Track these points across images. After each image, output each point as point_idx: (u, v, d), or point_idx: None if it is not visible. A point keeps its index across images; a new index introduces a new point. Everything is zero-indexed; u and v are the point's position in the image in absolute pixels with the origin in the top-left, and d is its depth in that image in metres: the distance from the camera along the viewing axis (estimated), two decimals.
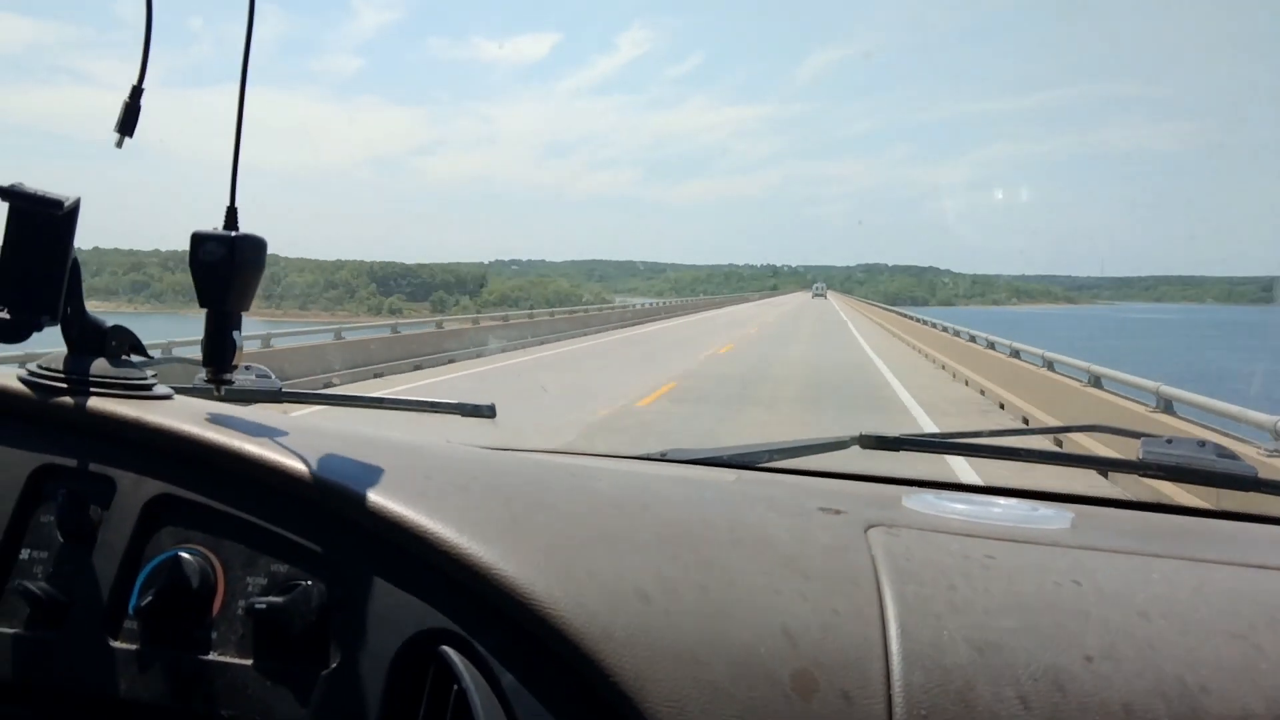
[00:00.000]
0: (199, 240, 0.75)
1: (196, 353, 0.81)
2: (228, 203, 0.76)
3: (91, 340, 0.82)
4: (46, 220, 0.75)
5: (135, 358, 0.85)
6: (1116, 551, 0.75)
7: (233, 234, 0.75)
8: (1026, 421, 9.37)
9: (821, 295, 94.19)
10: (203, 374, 0.94)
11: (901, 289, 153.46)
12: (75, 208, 0.75)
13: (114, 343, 0.83)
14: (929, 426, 9.02)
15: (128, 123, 0.79)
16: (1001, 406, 10.65)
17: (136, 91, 0.79)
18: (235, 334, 0.77)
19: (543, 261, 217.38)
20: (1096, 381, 8.63)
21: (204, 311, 0.76)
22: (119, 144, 0.79)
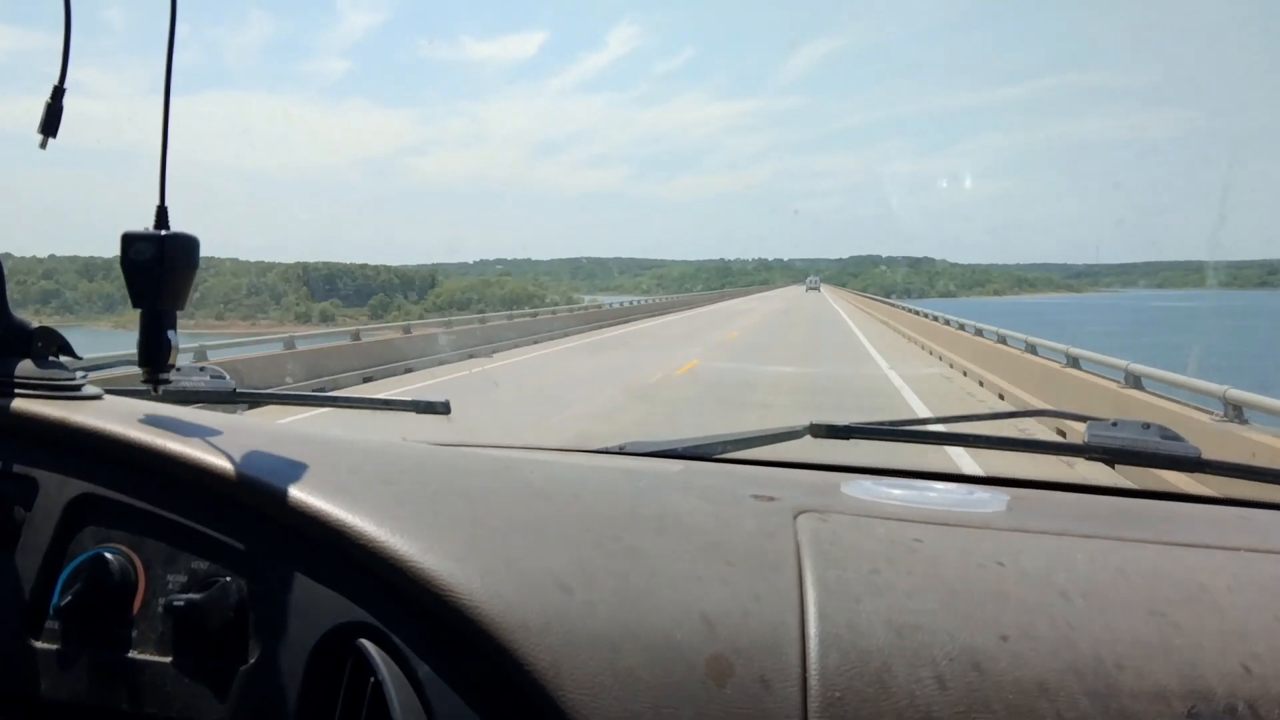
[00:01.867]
0: (128, 240, 0.75)
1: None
2: (158, 202, 0.76)
3: (17, 342, 0.82)
4: None
5: (65, 359, 0.85)
6: (1046, 533, 0.75)
7: (163, 233, 0.75)
8: None
9: (815, 289, 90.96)
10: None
11: (898, 280, 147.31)
12: None
13: (40, 344, 0.83)
14: None
15: (50, 123, 0.79)
16: None
17: (58, 92, 0.79)
18: (170, 333, 0.77)
19: (529, 260, 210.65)
20: (1238, 413, 5.86)
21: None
22: (43, 145, 0.78)
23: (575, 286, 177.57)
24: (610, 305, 35.07)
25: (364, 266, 73.55)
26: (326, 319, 53.07)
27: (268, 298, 62.98)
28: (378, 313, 60.17)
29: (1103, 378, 8.24)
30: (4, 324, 0.82)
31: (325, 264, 74.78)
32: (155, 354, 0.77)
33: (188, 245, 0.76)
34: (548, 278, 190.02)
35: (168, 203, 0.76)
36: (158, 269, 0.75)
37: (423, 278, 76.58)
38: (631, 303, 37.71)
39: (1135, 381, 7.45)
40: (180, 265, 0.76)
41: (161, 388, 0.79)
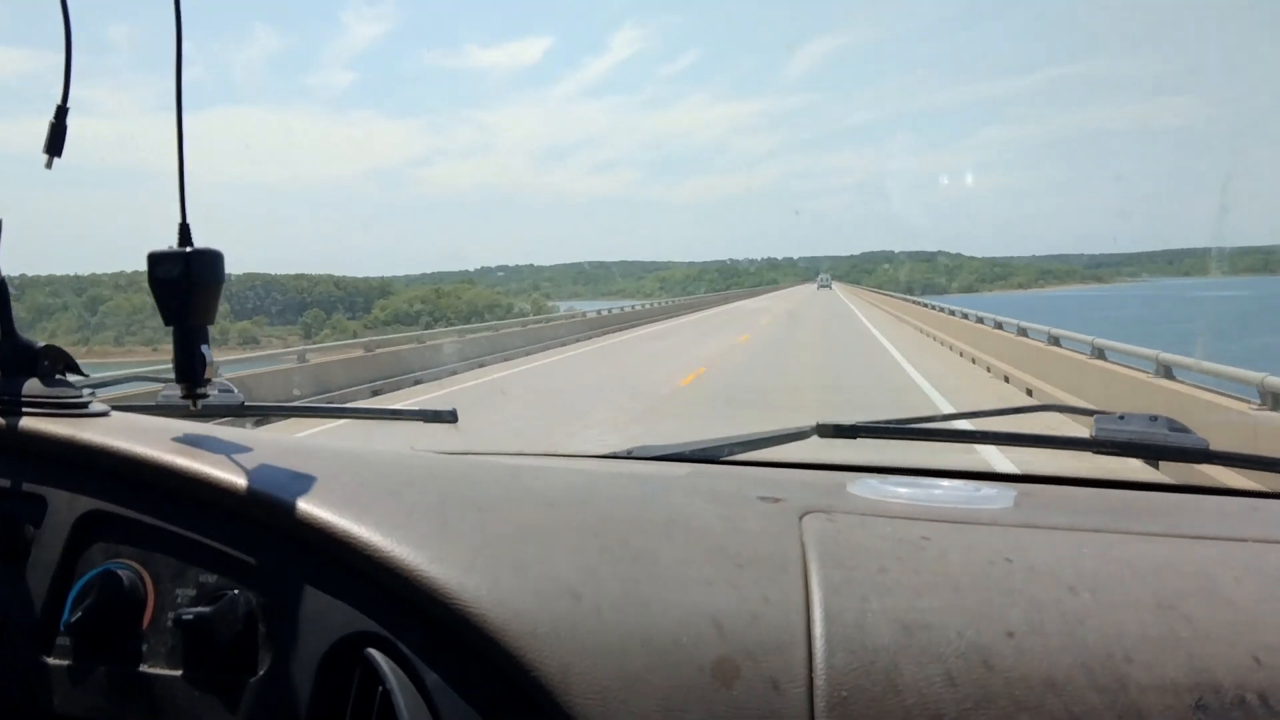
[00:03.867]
0: (155, 260, 0.75)
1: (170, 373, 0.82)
2: (180, 219, 0.77)
3: (24, 361, 0.83)
4: None
5: (72, 376, 0.86)
6: (1054, 528, 0.75)
7: (187, 250, 0.76)
8: None
9: (827, 286, 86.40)
10: (164, 390, 1.05)
11: (915, 276, 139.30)
12: None
13: (46, 362, 0.84)
14: None
15: (55, 143, 0.80)
16: None
17: (61, 111, 0.79)
18: (204, 348, 0.78)
19: (530, 266, 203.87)
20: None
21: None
22: (48, 164, 0.79)
23: (576, 292, 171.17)
24: (589, 314, 29.19)
25: (300, 277, 64.42)
26: (247, 341, 45.24)
27: None
28: (312, 331, 51.79)
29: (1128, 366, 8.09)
30: (10, 343, 0.83)
31: (253, 275, 64.66)
32: (190, 370, 0.77)
33: (213, 260, 0.76)
34: (549, 284, 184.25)
35: (189, 220, 0.77)
36: (185, 286, 0.75)
37: (371, 289, 66.84)
38: (616, 310, 31.58)
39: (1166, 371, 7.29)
40: (207, 280, 0.76)
41: (200, 402, 0.80)
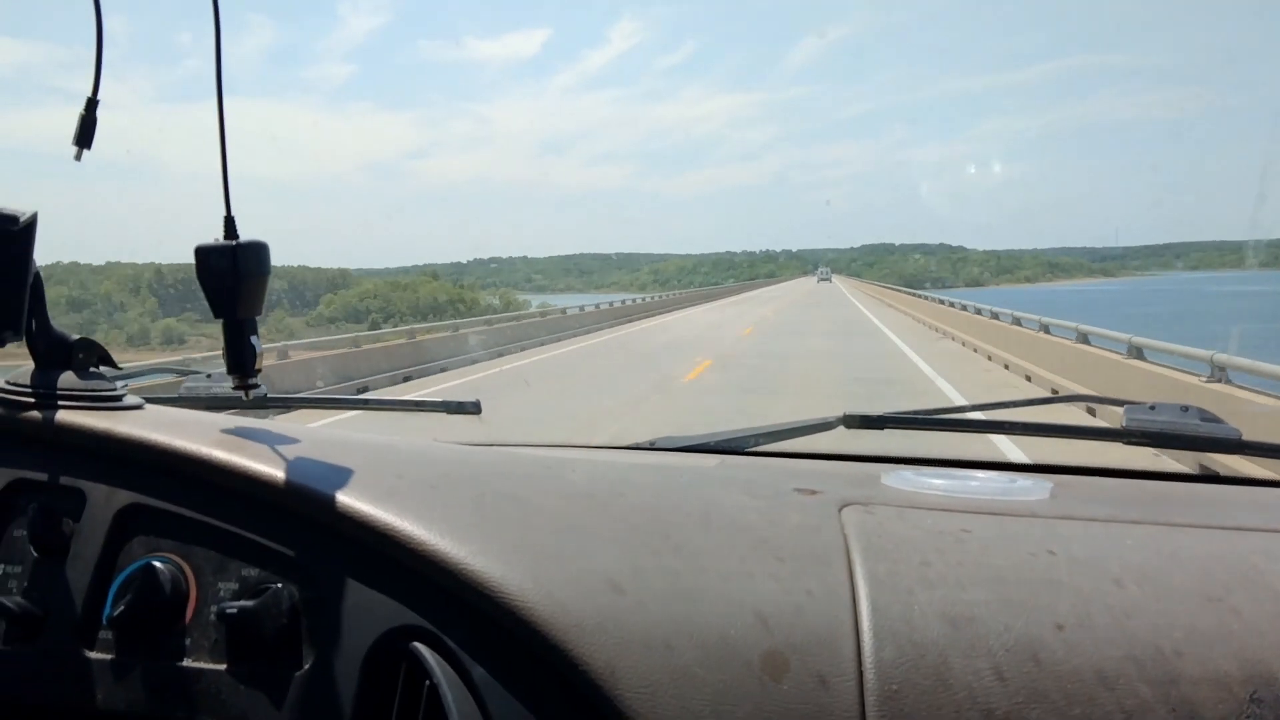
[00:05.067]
0: (203, 253, 0.76)
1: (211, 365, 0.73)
2: (224, 213, 0.78)
3: (58, 354, 0.83)
4: (3, 236, 0.75)
5: (105, 369, 0.86)
6: (1093, 520, 0.75)
7: (234, 243, 0.76)
8: None
9: (826, 280, 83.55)
10: (187, 383, 1.10)
11: (919, 269, 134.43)
12: (32, 222, 0.76)
13: (80, 355, 0.84)
14: None
15: (84, 135, 0.79)
16: None
17: (91, 104, 0.79)
18: (253, 339, 0.79)
19: (523, 258, 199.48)
20: None
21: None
22: (77, 156, 0.80)
23: (569, 285, 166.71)
24: (567, 311, 24.78)
25: None
26: (171, 340, 39.74)
27: (99, 312, 47.67)
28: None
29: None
30: (45, 337, 0.82)
31: (184, 266, 58.99)
32: (242, 361, 0.78)
33: (259, 252, 0.77)
34: (540, 276, 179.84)
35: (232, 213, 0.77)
36: (233, 278, 0.76)
37: (322, 282, 60.55)
38: (600, 305, 27.12)
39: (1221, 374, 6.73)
40: (254, 272, 0.76)
41: (252, 393, 0.81)
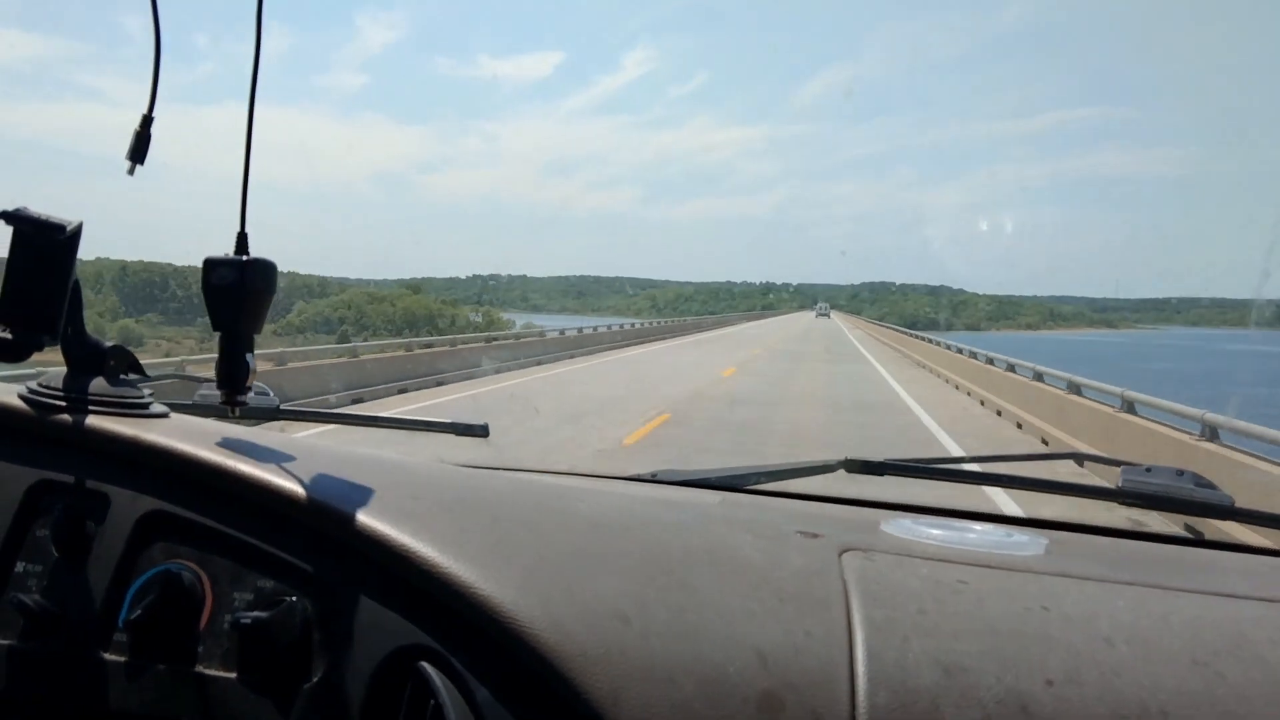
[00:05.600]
0: (211, 265, 0.77)
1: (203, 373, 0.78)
2: (238, 228, 0.78)
3: (91, 360, 0.85)
4: (49, 243, 0.78)
5: (134, 376, 0.88)
6: (1087, 579, 0.76)
7: (243, 258, 0.77)
8: None
9: (825, 315, 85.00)
10: (202, 389, 1.13)
11: (918, 310, 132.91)
12: (77, 232, 0.78)
13: (112, 362, 0.86)
14: None
15: (139, 150, 0.81)
16: None
17: (147, 120, 0.81)
18: (248, 356, 0.79)
19: (522, 277, 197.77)
20: None
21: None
22: (130, 171, 0.81)
23: (566, 306, 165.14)
24: (553, 334, 24.07)
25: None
26: (127, 343, 36.85)
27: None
28: (209, 332, 43.23)
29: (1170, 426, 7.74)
30: (80, 343, 0.84)
31: (148, 265, 53.02)
32: (234, 376, 0.79)
33: (267, 270, 0.78)
34: (537, 295, 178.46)
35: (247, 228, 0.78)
36: (239, 293, 0.77)
37: (298, 289, 55.33)
38: (569, 331, 25.69)
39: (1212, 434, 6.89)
40: (260, 289, 0.78)
41: (239, 409, 0.82)
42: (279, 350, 12.49)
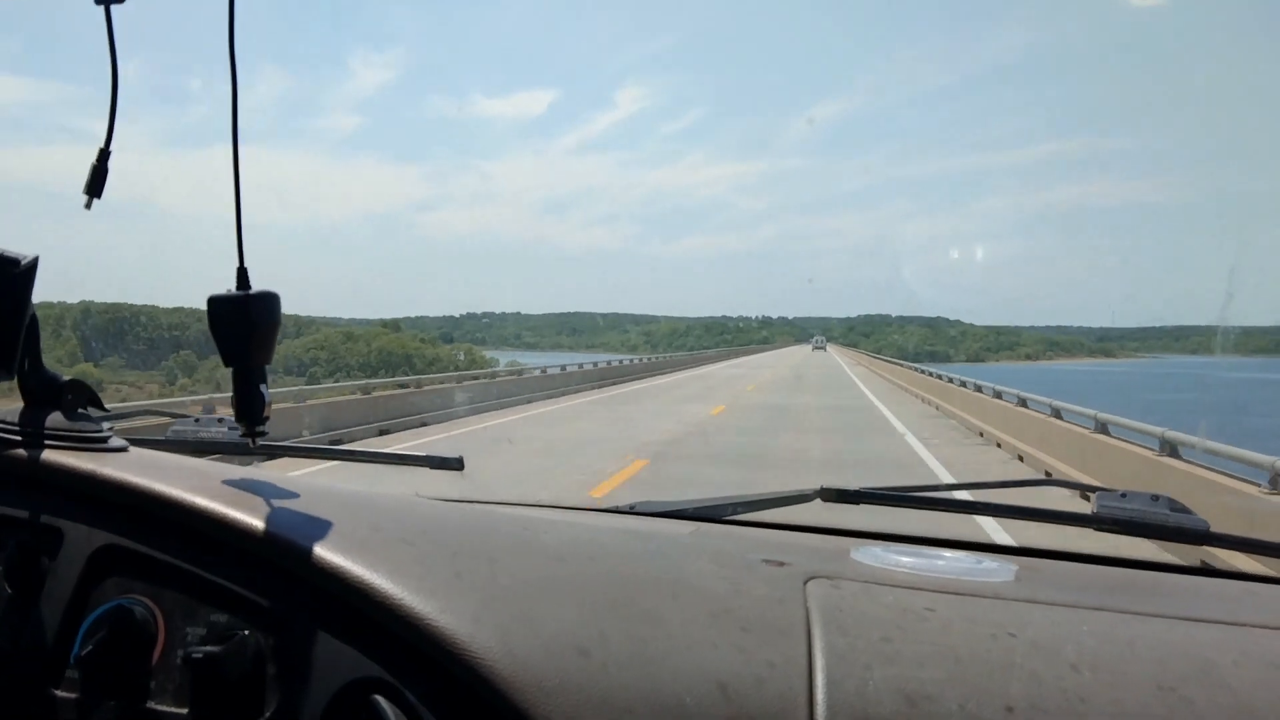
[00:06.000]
0: (215, 303, 0.78)
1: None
2: (237, 264, 0.79)
3: (48, 394, 0.85)
4: (3, 278, 0.78)
5: (93, 411, 0.88)
6: (1055, 605, 0.76)
7: (246, 293, 0.78)
8: None
9: (821, 348, 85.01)
10: (174, 425, 1.16)
11: (919, 342, 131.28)
12: (32, 265, 0.79)
13: (70, 396, 0.85)
14: None
15: (95, 184, 0.82)
16: None
17: (104, 154, 0.82)
18: (262, 387, 0.80)
19: (516, 314, 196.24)
20: None
21: None
22: (88, 205, 0.82)
23: (559, 343, 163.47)
24: (532, 373, 22.88)
25: (178, 310, 49.33)
26: None
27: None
28: (174, 378, 39.56)
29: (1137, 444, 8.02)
30: (36, 376, 0.84)
31: (114, 305, 50.11)
32: (250, 409, 0.79)
33: (270, 302, 0.78)
34: (530, 333, 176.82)
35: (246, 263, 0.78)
36: (244, 328, 0.78)
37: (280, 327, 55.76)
38: (555, 369, 24.15)
39: (1171, 450, 7.14)
40: (265, 322, 0.78)
41: (260, 440, 0.83)
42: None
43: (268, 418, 0.80)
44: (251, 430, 0.80)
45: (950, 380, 18.93)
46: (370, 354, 46.07)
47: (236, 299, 0.77)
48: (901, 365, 31.97)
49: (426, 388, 16.88)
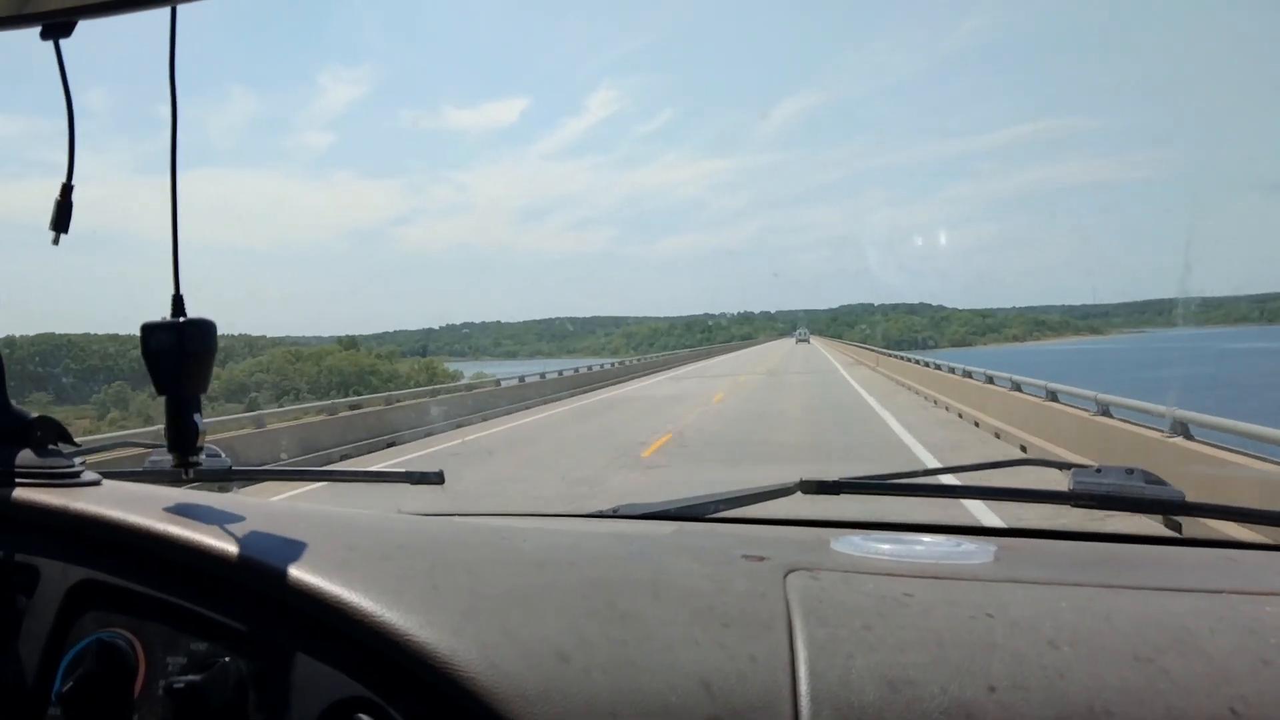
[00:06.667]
0: (148, 330, 0.76)
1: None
2: (173, 291, 0.78)
3: (16, 431, 0.84)
4: None
5: (64, 446, 0.87)
6: (1035, 583, 0.76)
7: (180, 320, 0.77)
8: None
9: (805, 341, 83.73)
10: (153, 455, 1.14)
11: (903, 330, 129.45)
12: None
13: (39, 433, 0.85)
14: None
15: (61, 219, 0.82)
16: None
17: (67, 189, 0.82)
18: (195, 417, 0.78)
19: (496, 323, 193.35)
20: None
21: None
22: (55, 240, 0.81)
23: (539, 349, 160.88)
24: (495, 384, 21.21)
25: (114, 338, 46.38)
26: None
27: None
28: (104, 410, 36.62)
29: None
30: (4, 414, 0.84)
31: (45, 337, 47.02)
32: (183, 439, 0.78)
33: (205, 330, 0.77)
34: (511, 341, 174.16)
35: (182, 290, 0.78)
36: (178, 356, 0.76)
37: (226, 349, 51.22)
38: (546, 375, 22.56)
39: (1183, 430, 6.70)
40: (200, 350, 0.77)
41: (193, 470, 0.81)
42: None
43: (201, 448, 0.78)
44: (184, 461, 0.78)
45: (954, 370, 16.61)
46: (319, 374, 43.04)
47: (170, 326, 0.75)
48: (892, 355, 29.59)
49: (365, 410, 14.81)
